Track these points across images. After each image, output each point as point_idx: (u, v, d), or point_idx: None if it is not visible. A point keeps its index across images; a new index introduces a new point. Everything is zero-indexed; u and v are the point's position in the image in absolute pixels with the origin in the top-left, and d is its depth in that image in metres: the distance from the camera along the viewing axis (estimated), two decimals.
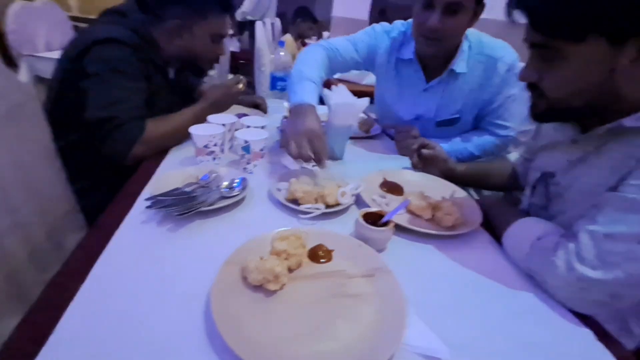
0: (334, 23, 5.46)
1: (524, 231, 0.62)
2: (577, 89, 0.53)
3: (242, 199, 0.70)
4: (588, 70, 0.50)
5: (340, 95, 0.92)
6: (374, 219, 0.63)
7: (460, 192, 0.80)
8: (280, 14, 4.30)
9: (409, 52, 1.04)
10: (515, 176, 0.88)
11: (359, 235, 0.62)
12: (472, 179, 0.91)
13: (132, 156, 0.82)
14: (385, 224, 0.61)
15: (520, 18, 0.53)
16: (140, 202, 0.65)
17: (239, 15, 4.05)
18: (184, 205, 0.59)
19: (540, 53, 0.54)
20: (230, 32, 3.69)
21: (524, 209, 0.75)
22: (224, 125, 0.85)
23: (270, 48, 2.70)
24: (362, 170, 0.89)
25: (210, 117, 0.88)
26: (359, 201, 0.76)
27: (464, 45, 0.99)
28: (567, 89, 0.53)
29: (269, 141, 0.89)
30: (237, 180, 0.72)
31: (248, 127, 0.89)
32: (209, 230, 0.61)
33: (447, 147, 1.02)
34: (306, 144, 0.74)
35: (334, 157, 0.98)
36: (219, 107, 0.96)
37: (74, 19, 2.67)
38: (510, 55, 0.99)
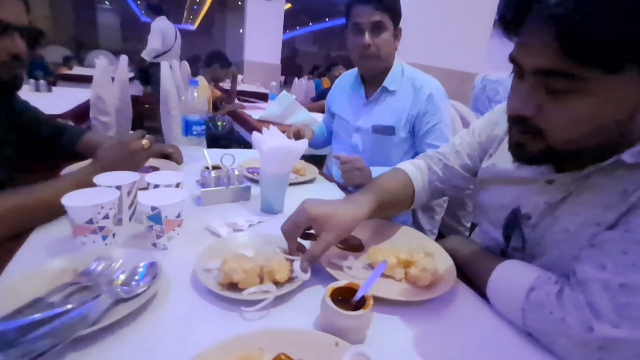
0: (247, 67, 5.48)
1: (511, 282, 0.53)
2: (592, 128, 0.43)
3: (153, 296, 0.47)
4: (612, 107, 0.42)
5: (273, 138, 0.77)
6: (344, 295, 0.48)
7: (427, 240, 0.70)
8: (190, 58, 4.11)
9: (352, 79, 1.29)
10: (414, 193, 0.77)
11: (328, 323, 0.45)
12: (380, 213, 0.69)
13: None
14: (362, 301, 0.46)
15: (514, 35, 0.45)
16: None
17: (146, 55, 3.74)
18: (39, 340, 0.35)
19: (548, 82, 0.43)
20: (131, 74, 3.36)
21: (494, 249, 0.68)
22: (119, 188, 0.62)
23: (179, 90, 2.48)
24: None
25: (98, 178, 0.63)
26: (313, 267, 0.59)
27: (396, 69, 1.19)
28: (581, 128, 0.44)
29: (187, 202, 0.68)
30: (140, 268, 0.49)
31: (157, 185, 0.67)
32: None
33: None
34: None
35: (272, 211, 0.81)
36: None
37: None
38: (434, 84, 1.17)
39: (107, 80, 2.21)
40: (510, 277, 0.54)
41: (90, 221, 0.55)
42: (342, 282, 0.49)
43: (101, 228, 0.56)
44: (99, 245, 0.57)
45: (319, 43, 10.73)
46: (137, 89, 4.15)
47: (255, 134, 0.78)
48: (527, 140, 0.49)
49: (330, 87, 3.91)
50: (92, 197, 0.56)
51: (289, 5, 5.91)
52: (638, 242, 0.42)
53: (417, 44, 2.19)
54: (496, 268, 0.56)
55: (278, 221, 0.77)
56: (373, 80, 1.22)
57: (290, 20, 6.23)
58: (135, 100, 3.42)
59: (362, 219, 0.61)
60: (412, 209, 0.84)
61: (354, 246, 0.70)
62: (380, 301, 0.52)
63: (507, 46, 0.50)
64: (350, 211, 0.59)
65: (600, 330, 0.41)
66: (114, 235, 0.60)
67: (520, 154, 0.51)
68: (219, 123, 2.41)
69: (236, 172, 0.85)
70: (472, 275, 0.62)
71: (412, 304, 0.54)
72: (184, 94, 2.20)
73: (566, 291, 0.46)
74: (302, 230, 0.58)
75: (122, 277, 0.48)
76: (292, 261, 0.55)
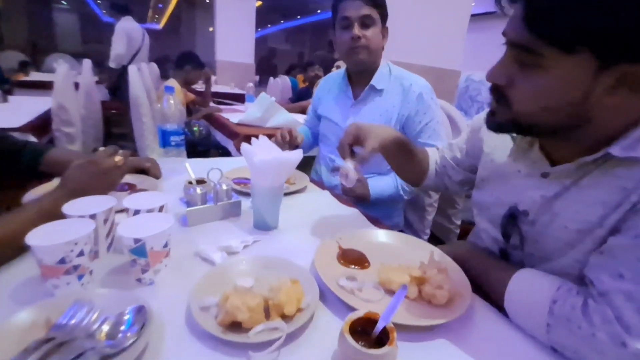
0: (219, 67, 5.31)
1: (531, 295, 0.51)
2: (547, 105, 0.46)
3: (144, 349, 0.41)
4: (565, 88, 0.44)
5: (265, 149, 0.72)
6: (363, 326, 0.43)
7: (438, 253, 0.66)
8: (158, 59, 3.92)
9: (339, 80, 1.25)
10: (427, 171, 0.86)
11: None
12: (399, 152, 0.79)
13: None
14: (383, 333, 0.42)
15: (508, 10, 0.47)
16: None
17: (112, 63, 3.53)
18: None
19: (518, 55, 0.46)
20: (96, 78, 3.16)
21: (492, 248, 0.67)
22: (93, 217, 0.55)
23: (150, 95, 2.34)
24: (307, 239, 0.70)
25: (68, 207, 0.55)
26: (323, 296, 0.54)
27: (384, 68, 1.16)
28: (537, 103, 0.47)
29: (174, 228, 0.61)
30: (126, 315, 0.43)
31: (137, 211, 0.60)
32: None
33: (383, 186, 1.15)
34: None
35: (267, 228, 0.75)
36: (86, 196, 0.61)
37: None
38: (422, 82, 1.16)
39: (70, 87, 2.05)
40: (529, 289, 0.51)
41: (63, 261, 0.47)
42: (359, 313, 0.44)
43: (76, 267, 0.49)
44: (74, 286, 0.49)
45: (292, 41, 10.58)
46: (103, 93, 3.91)
47: (244, 145, 0.72)
48: (498, 108, 0.52)
49: (307, 86, 3.81)
50: (62, 231, 0.49)
51: (259, 3, 5.77)
52: None
53: (396, 41, 2.17)
54: (511, 280, 0.54)
55: (274, 239, 0.72)
56: (360, 80, 1.18)
57: (261, 17, 6.08)
58: (102, 105, 3.22)
59: (395, 136, 0.75)
60: (421, 186, 0.89)
61: (356, 259, 0.66)
62: (398, 327, 0.48)
63: (483, 44, 0.52)
64: (386, 128, 0.75)
65: (633, 344, 0.40)
66: (91, 272, 0.52)
67: (490, 121, 0.54)
68: (195, 128, 2.29)
69: (224, 187, 0.79)
70: (486, 288, 0.59)
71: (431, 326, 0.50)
72: (158, 99, 2.07)
73: (591, 304, 0.44)
74: (351, 138, 0.71)
75: (106, 327, 0.41)
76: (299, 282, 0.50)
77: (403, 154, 0.80)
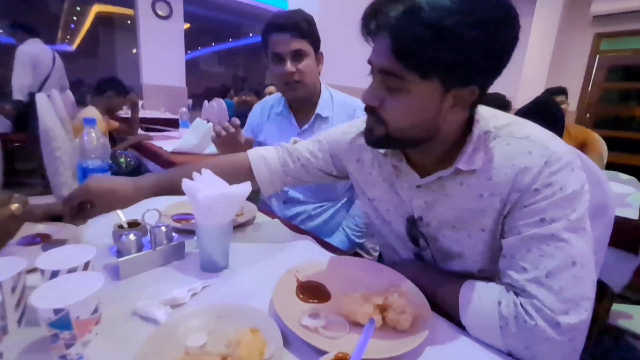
0: (146, 91, 4.98)
1: (480, 303, 0.54)
2: (414, 121, 0.54)
3: None
4: (423, 108, 0.53)
5: (209, 184, 0.66)
6: None
7: (396, 275, 0.66)
8: (73, 84, 3.52)
9: (280, 107, 1.22)
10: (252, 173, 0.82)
11: None
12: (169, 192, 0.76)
13: None
14: None
15: (371, 42, 0.53)
16: None
17: (18, 95, 3.06)
18: None
19: (386, 80, 0.53)
20: None
21: (408, 256, 0.74)
22: None
23: (66, 126, 2.08)
24: (263, 275, 0.66)
25: None
26: (287, 340, 0.50)
27: (325, 94, 1.18)
28: (406, 120, 0.55)
29: (105, 284, 0.51)
30: None
31: (55, 273, 0.50)
32: None
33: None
34: None
35: (217, 269, 0.69)
36: None
37: None
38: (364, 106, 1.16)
39: None
40: (477, 298, 0.54)
41: None
42: (329, 357, 0.41)
43: None
44: None
45: (225, 63, 10.40)
46: (3, 124, 3.37)
47: (185, 181, 0.66)
48: (375, 125, 0.58)
49: (245, 108, 3.71)
50: None
51: (187, 25, 5.59)
52: (530, 237, 0.51)
53: (333, 65, 2.26)
54: (460, 294, 0.56)
55: (226, 280, 0.67)
56: (302, 107, 1.18)
57: (191, 40, 5.92)
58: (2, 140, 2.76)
59: (142, 194, 0.74)
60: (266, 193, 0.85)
61: (316, 292, 0.63)
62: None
63: None
64: (126, 191, 0.71)
65: (564, 321, 0.46)
66: (0, 355, 0.42)
67: (369, 137, 0.60)
68: (122, 159, 2.08)
69: (163, 229, 0.70)
70: (441, 304, 0.60)
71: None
72: (74, 130, 1.85)
73: (521, 300, 0.50)
74: (77, 202, 0.68)
75: None
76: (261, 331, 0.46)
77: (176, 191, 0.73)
